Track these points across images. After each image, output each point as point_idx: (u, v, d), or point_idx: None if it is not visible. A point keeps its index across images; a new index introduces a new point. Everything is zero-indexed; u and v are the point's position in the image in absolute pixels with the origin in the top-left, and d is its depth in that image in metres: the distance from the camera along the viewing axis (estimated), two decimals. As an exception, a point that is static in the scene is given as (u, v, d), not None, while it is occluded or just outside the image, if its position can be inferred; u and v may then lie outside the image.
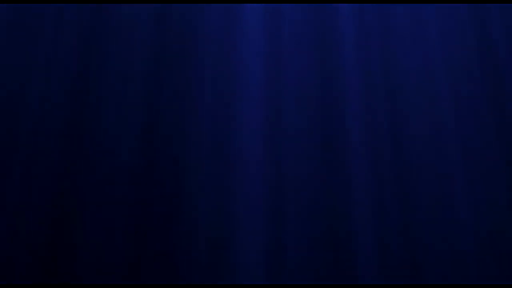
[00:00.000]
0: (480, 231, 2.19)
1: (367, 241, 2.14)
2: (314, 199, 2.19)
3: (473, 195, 2.25)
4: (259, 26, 2.41)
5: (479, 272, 2.12)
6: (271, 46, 2.39)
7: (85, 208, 2.08)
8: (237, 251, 2.09)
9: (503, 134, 2.36)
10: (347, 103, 2.36)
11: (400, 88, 2.42)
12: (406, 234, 2.18)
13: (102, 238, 2.04)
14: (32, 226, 2.04)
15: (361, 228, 2.16)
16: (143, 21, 2.36)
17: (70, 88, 2.26)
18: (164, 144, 2.22)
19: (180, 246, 2.06)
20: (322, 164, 2.26)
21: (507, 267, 2.14)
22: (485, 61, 2.47)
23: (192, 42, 2.36)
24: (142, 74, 2.30)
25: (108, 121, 2.23)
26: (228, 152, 2.23)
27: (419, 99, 2.41)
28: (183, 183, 2.17)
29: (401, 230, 2.17)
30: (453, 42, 2.48)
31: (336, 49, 2.43)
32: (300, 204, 2.20)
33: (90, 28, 2.34)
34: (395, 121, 2.36)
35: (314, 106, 2.34)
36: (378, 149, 2.31)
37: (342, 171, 2.26)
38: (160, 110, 2.27)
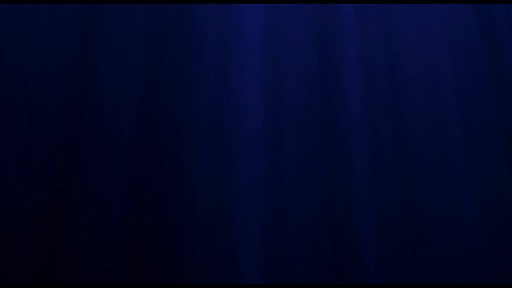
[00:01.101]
0: (480, 204, 2.20)
1: (367, 213, 2.15)
2: (314, 170, 2.20)
3: (473, 168, 2.27)
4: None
5: (480, 245, 2.13)
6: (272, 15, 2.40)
7: (84, 178, 2.09)
8: (237, 220, 2.09)
9: (503, 109, 2.38)
10: (347, 77, 2.37)
11: (400, 63, 2.43)
12: (406, 207, 2.19)
13: (101, 209, 2.05)
14: (30, 196, 2.05)
15: (361, 200, 2.17)
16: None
17: (69, 59, 2.28)
18: (163, 114, 2.23)
19: (180, 216, 2.07)
20: (322, 135, 2.27)
21: (508, 238, 2.14)
22: (485, 39, 2.49)
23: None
24: (142, 47, 2.32)
25: (107, 92, 2.25)
26: (228, 123, 2.24)
27: (419, 73, 2.42)
28: (182, 153, 2.17)
29: (401, 202, 2.19)
30: (452, 11, 2.50)
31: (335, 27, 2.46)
32: (299, 175, 2.21)
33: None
34: (395, 94, 2.37)
35: (314, 79, 2.35)
36: (378, 123, 2.32)
37: (341, 143, 2.27)
38: (158, 79, 2.28)
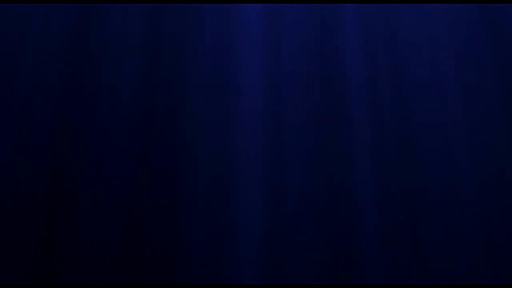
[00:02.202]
0: (480, 175, 2.20)
1: (366, 183, 2.15)
2: (314, 138, 2.20)
3: (473, 140, 2.26)
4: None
5: (480, 218, 2.13)
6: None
7: (84, 153, 2.10)
8: (238, 191, 2.10)
9: (503, 78, 2.36)
10: (347, 44, 2.36)
11: (400, 31, 2.41)
12: (406, 178, 2.19)
13: (101, 182, 2.05)
14: (31, 171, 2.06)
15: (361, 170, 2.17)
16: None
17: (70, 35, 2.27)
18: (163, 86, 2.23)
19: (180, 188, 2.08)
20: (322, 103, 2.26)
21: (507, 212, 2.14)
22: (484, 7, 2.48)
23: None
24: (144, 21, 2.32)
25: (108, 65, 2.24)
26: (228, 93, 2.25)
27: (419, 42, 2.41)
28: (182, 124, 2.18)
29: (400, 173, 2.19)
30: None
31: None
32: (299, 143, 2.20)
33: None
34: (395, 64, 2.36)
35: (314, 47, 2.34)
36: (377, 91, 2.31)
37: (341, 111, 2.27)
38: (159, 51, 2.27)
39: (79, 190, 2.05)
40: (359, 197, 2.14)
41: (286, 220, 2.08)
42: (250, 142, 2.19)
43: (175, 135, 2.18)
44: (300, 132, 2.22)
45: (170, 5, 2.37)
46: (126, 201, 2.05)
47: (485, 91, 2.35)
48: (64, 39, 2.29)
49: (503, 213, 2.13)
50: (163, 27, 2.30)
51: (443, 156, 2.23)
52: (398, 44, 2.43)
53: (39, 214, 2.01)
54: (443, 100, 2.33)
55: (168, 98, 2.21)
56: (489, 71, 2.39)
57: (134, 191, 2.07)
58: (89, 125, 2.16)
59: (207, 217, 2.06)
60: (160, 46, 2.31)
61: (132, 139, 2.15)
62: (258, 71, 2.30)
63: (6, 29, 2.29)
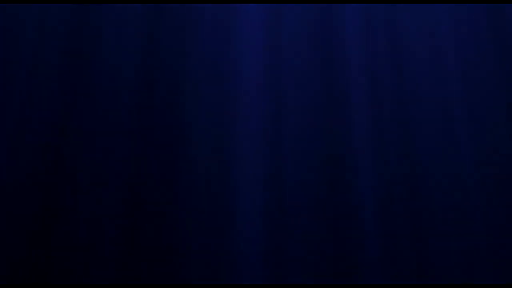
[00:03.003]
0: (480, 154, 2.20)
1: (366, 162, 2.16)
2: (314, 119, 2.20)
3: (473, 118, 2.26)
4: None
5: (479, 193, 2.14)
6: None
7: (84, 130, 2.11)
8: (237, 171, 2.11)
9: (503, 59, 2.35)
10: (346, 27, 2.35)
11: (400, 12, 2.40)
12: (405, 158, 2.19)
13: (101, 159, 2.06)
14: (31, 146, 2.07)
15: (360, 150, 2.18)
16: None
17: (70, 14, 2.26)
18: (163, 66, 2.22)
19: (180, 166, 2.08)
20: (321, 86, 2.26)
21: (506, 187, 2.14)
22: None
23: None
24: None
25: (109, 43, 2.23)
26: (228, 72, 2.24)
27: (419, 22, 2.39)
28: (182, 104, 2.18)
29: (400, 153, 2.19)
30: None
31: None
32: (299, 126, 2.21)
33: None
34: (394, 43, 2.35)
35: (314, 30, 2.33)
36: (377, 72, 2.31)
37: (341, 92, 2.26)
38: (159, 31, 2.27)
39: (79, 167, 2.06)
40: (358, 179, 2.14)
41: (285, 201, 2.08)
42: (249, 119, 2.19)
43: (174, 111, 2.17)
44: (300, 112, 2.21)
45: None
46: (126, 180, 2.05)
47: (484, 69, 2.34)
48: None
49: (503, 192, 2.14)
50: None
51: (443, 135, 2.23)
52: (397, 15, 2.42)
53: (38, 196, 2.02)
54: (443, 78, 2.33)
55: (167, 78, 2.21)
56: (488, 47, 2.38)
57: (134, 171, 2.07)
58: (89, 105, 2.15)
59: (206, 193, 2.07)
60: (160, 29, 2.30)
61: (132, 119, 2.14)
62: (258, 51, 2.30)
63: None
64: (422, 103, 2.29)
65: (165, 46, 2.29)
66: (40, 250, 1.97)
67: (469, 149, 2.24)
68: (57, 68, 2.20)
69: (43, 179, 2.04)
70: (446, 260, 2.08)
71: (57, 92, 2.16)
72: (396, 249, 2.08)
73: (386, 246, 2.07)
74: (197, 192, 2.08)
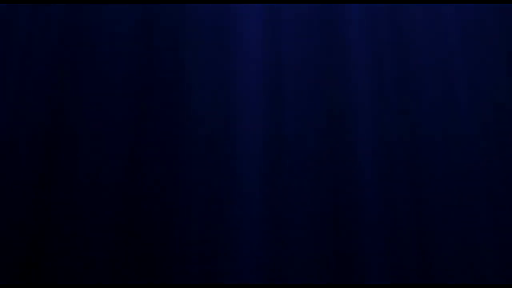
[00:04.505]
0: (479, 115, 2.19)
1: (366, 126, 2.15)
2: (313, 81, 2.19)
3: (472, 79, 2.24)
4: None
5: (479, 155, 2.13)
6: None
7: (84, 89, 2.11)
8: (237, 131, 2.11)
9: (503, 19, 2.34)
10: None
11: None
12: (406, 119, 2.18)
13: (101, 119, 2.07)
14: (31, 112, 2.07)
15: (360, 113, 2.17)
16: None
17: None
18: (163, 23, 2.21)
19: (179, 127, 2.08)
20: (321, 45, 2.26)
21: (507, 149, 2.12)
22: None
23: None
24: None
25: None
26: (228, 33, 2.24)
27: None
28: (182, 63, 2.17)
29: (400, 114, 2.18)
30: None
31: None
32: (299, 87, 2.20)
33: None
34: (394, 5, 2.35)
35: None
36: (377, 33, 2.29)
37: (340, 52, 2.25)
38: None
39: (79, 125, 2.05)
40: (358, 145, 2.13)
41: (285, 164, 2.08)
42: (249, 78, 2.19)
43: (175, 70, 2.17)
44: (300, 67, 2.21)
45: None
46: (126, 139, 2.05)
47: (484, 27, 2.34)
48: None
49: (504, 154, 2.13)
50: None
51: (443, 91, 2.23)
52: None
53: (39, 155, 2.02)
54: (443, 35, 2.32)
55: (167, 36, 2.20)
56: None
57: (134, 128, 2.07)
58: (88, 64, 2.15)
59: (206, 153, 2.07)
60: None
61: (131, 78, 2.14)
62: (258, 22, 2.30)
63: None
64: (421, 58, 2.29)
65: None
66: (39, 214, 1.97)
67: (468, 104, 2.23)
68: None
69: (43, 141, 2.04)
70: (445, 217, 2.07)
71: (57, 60, 2.16)
72: (396, 208, 2.08)
73: (386, 205, 2.07)
74: (198, 150, 2.08)
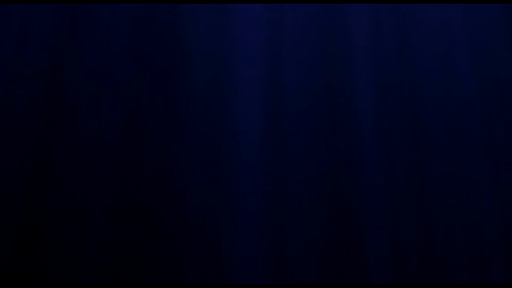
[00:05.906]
0: (479, 77, 2.18)
1: (366, 86, 2.15)
2: (313, 44, 2.19)
3: (472, 41, 2.24)
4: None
5: (479, 117, 2.12)
6: None
7: (84, 52, 2.11)
8: (235, 94, 2.11)
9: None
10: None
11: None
12: (405, 81, 2.17)
13: (101, 82, 2.07)
14: (30, 68, 2.08)
15: (360, 73, 2.17)
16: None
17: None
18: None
19: (179, 89, 2.08)
20: (320, 11, 2.25)
21: (506, 109, 2.12)
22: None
23: None
24: None
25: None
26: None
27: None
28: (182, 27, 2.18)
29: (400, 76, 2.18)
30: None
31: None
32: (298, 50, 2.19)
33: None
34: None
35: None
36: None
37: (340, 17, 2.25)
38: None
39: (76, 94, 2.06)
40: (358, 104, 2.13)
41: (284, 125, 2.07)
42: (249, 40, 2.18)
43: (174, 33, 2.16)
44: (300, 36, 2.20)
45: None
46: (125, 100, 2.05)
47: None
48: None
49: (504, 122, 2.13)
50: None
51: (444, 60, 2.23)
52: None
53: (36, 124, 2.02)
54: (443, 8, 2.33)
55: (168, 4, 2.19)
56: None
57: (133, 91, 2.07)
58: (88, 35, 2.16)
59: (204, 117, 2.07)
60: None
61: (131, 35, 2.14)
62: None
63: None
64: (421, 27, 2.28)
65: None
66: (39, 178, 1.96)
67: (470, 72, 2.23)
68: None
69: (42, 106, 2.05)
70: (443, 184, 2.06)
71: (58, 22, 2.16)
72: (395, 170, 2.07)
73: (385, 169, 2.06)
74: (196, 114, 2.07)
